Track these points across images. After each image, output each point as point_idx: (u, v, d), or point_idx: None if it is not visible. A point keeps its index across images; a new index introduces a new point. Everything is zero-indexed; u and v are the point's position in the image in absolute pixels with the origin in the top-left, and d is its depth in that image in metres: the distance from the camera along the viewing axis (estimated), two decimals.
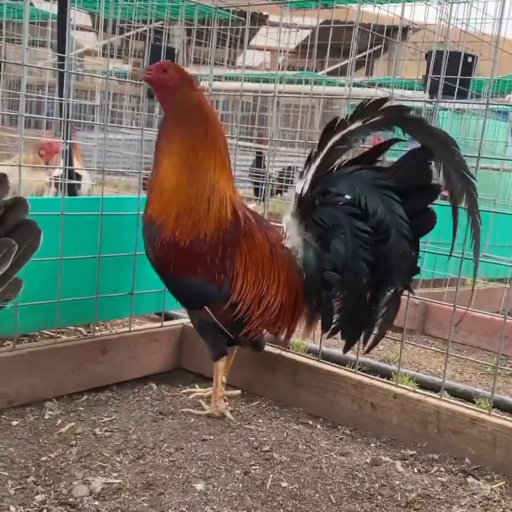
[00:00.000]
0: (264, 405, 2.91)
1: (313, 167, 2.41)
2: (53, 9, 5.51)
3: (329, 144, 2.37)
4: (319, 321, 2.57)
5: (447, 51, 3.55)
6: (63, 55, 2.89)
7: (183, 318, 3.34)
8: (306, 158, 2.46)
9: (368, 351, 2.56)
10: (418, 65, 5.14)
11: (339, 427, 2.73)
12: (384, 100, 2.30)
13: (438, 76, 3.22)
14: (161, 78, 2.38)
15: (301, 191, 2.45)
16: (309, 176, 2.42)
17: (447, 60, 3.45)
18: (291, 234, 2.53)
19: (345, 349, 2.57)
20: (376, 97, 2.36)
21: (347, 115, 2.33)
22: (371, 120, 2.29)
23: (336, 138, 2.35)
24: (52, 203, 2.76)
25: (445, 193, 2.43)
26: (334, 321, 2.49)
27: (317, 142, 2.40)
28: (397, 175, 2.30)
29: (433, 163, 2.23)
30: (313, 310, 2.56)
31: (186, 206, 2.40)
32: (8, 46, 6.59)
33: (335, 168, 2.41)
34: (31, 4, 6.77)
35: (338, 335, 2.55)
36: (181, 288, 2.53)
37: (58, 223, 2.58)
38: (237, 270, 2.46)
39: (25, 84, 2.43)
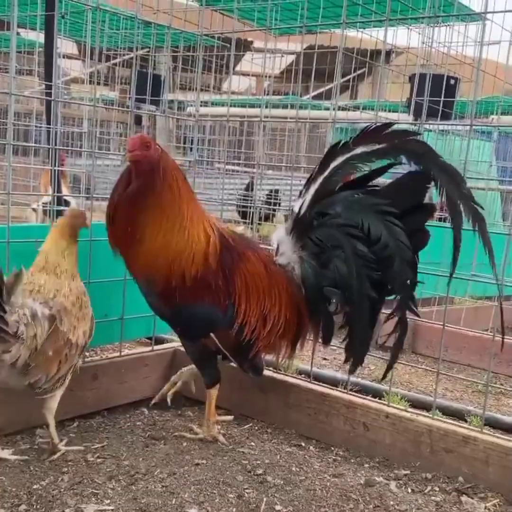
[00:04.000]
0: (256, 428, 2.90)
1: (313, 188, 2.42)
2: (40, 38, 5.57)
3: (331, 167, 2.38)
4: (320, 336, 2.57)
5: (430, 74, 3.60)
6: (50, 83, 2.91)
7: (174, 342, 3.33)
8: (306, 179, 2.47)
9: (384, 378, 2.56)
10: (402, 87, 5.21)
11: (332, 448, 2.72)
12: (389, 124, 2.32)
13: (422, 98, 3.27)
14: (147, 155, 2.34)
15: (299, 210, 2.46)
16: (308, 196, 2.43)
17: (430, 82, 3.50)
18: (285, 251, 2.53)
19: (352, 370, 2.53)
20: (379, 123, 2.38)
21: (351, 138, 2.34)
22: (376, 147, 2.30)
23: (338, 162, 2.37)
24: (39, 229, 2.76)
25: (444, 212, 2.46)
26: (342, 340, 2.49)
27: (318, 164, 2.41)
28: (395, 198, 2.31)
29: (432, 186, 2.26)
30: (315, 325, 2.55)
31: (174, 256, 2.39)
32: None
33: (335, 190, 2.42)
34: (18, 33, 6.83)
35: (332, 356, 2.54)
36: (186, 321, 2.51)
37: None
38: (239, 292, 2.46)
39: (13, 113, 2.44)
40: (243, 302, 2.47)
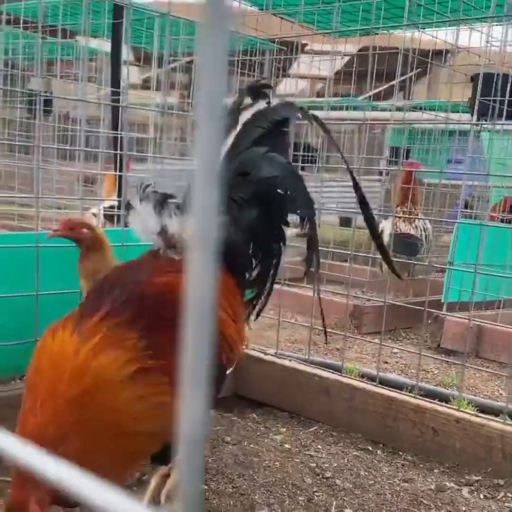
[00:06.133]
0: (321, 431, 2.89)
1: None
2: (99, 45, 5.69)
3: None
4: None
5: (496, 74, 3.54)
6: (118, 90, 2.97)
7: None
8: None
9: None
10: (462, 88, 5.13)
11: (400, 452, 2.70)
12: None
13: (487, 98, 3.22)
14: None
15: None
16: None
17: (495, 82, 3.44)
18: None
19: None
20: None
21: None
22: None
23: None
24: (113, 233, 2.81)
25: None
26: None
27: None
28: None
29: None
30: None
31: None
32: (54, 82, 6.80)
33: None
34: (76, 40, 6.99)
35: (394, 359, 2.50)
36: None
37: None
38: None
39: (85, 120, 2.50)
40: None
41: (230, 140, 2.12)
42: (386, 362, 4.05)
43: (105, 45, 5.49)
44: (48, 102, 5.57)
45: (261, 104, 2.19)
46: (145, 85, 10.58)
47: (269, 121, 2.17)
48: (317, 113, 2.42)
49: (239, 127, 2.15)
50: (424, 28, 4.21)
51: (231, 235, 2.04)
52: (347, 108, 6.89)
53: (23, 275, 2.34)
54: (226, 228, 2.01)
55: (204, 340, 0.38)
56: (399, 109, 4.38)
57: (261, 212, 2.13)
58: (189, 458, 0.38)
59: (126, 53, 3.72)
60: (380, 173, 7.82)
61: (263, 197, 2.12)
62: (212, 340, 0.40)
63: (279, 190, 2.14)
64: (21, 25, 4.86)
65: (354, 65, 6.17)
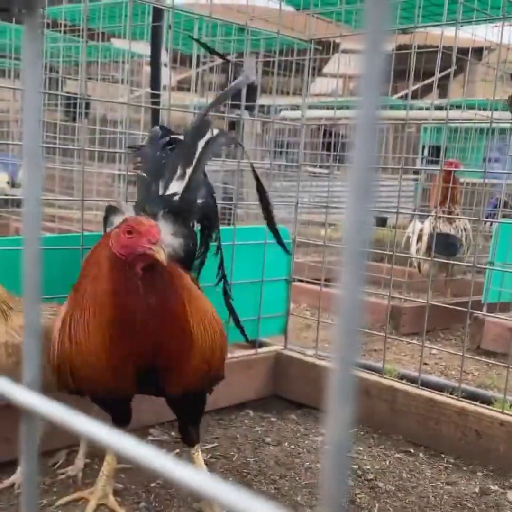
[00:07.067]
0: (361, 433, 2.88)
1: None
2: (136, 48, 5.74)
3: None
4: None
5: None
6: (158, 92, 3.00)
7: (276, 345, 3.35)
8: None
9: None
10: (500, 85, 5.06)
11: (442, 455, 2.67)
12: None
13: None
14: None
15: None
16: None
17: None
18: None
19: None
20: None
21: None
22: None
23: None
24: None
25: None
26: None
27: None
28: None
29: None
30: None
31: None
32: (89, 84, 6.88)
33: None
34: (109, 41, 7.07)
35: (433, 361, 2.48)
36: None
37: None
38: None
39: (127, 122, 2.53)
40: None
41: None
42: (425, 363, 4.01)
43: (141, 47, 5.55)
44: (86, 105, 5.64)
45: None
46: (180, 86, 10.65)
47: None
48: (350, 112, 2.44)
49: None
50: (463, 26, 4.16)
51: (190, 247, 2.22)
52: (382, 107, 6.84)
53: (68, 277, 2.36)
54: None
55: (352, 345, 0.39)
56: (438, 107, 4.33)
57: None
58: (336, 466, 0.39)
59: (164, 56, 3.75)
60: (416, 173, 7.75)
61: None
62: (359, 345, 0.42)
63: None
64: (62, 29, 4.92)
65: (391, 64, 6.11)
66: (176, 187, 2.24)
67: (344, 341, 0.39)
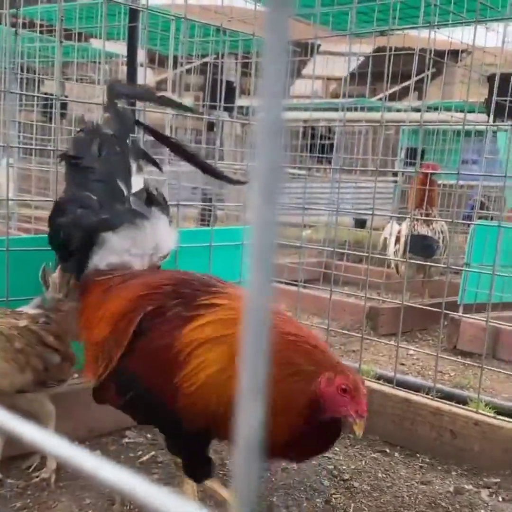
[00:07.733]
0: None
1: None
2: (114, 48, 5.73)
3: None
4: None
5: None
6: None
7: None
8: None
9: None
10: (477, 88, 5.11)
11: (418, 455, 2.69)
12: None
13: (504, 98, 3.20)
14: None
15: None
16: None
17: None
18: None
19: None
20: None
21: None
22: None
23: None
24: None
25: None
26: None
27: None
28: None
29: None
30: None
31: None
32: (67, 84, 6.85)
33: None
34: (87, 42, 7.04)
35: (410, 361, 2.49)
36: None
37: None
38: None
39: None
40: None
41: None
42: (402, 364, 4.04)
43: (119, 48, 5.53)
44: (63, 105, 5.60)
45: None
46: (159, 87, 10.61)
47: None
48: (332, 114, 2.44)
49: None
50: (439, 28, 4.19)
51: None
52: (361, 109, 6.88)
53: None
54: None
55: (261, 348, 0.39)
56: (415, 109, 4.37)
57: None
58: (246, 465, 0.39)
59: (141, 56, 3.75)
60: (395, 175, 7.80)
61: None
62: (268, 348, 0.41)
63: None
64: (38, 29, 4.88)
65: (369, 66, 6.15)
66: (139, 182, 2.23)
67: (252, 340, 0.39)
